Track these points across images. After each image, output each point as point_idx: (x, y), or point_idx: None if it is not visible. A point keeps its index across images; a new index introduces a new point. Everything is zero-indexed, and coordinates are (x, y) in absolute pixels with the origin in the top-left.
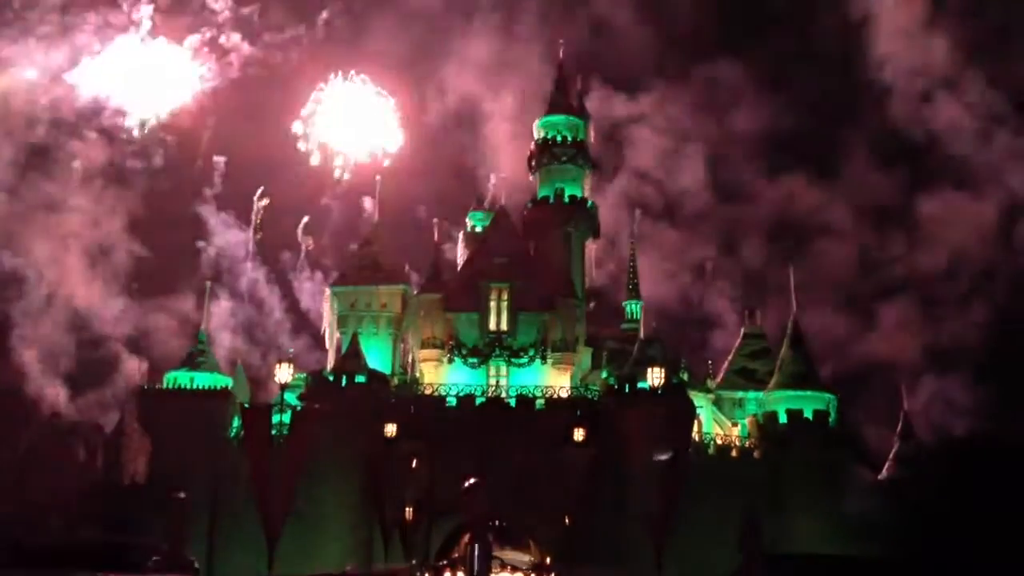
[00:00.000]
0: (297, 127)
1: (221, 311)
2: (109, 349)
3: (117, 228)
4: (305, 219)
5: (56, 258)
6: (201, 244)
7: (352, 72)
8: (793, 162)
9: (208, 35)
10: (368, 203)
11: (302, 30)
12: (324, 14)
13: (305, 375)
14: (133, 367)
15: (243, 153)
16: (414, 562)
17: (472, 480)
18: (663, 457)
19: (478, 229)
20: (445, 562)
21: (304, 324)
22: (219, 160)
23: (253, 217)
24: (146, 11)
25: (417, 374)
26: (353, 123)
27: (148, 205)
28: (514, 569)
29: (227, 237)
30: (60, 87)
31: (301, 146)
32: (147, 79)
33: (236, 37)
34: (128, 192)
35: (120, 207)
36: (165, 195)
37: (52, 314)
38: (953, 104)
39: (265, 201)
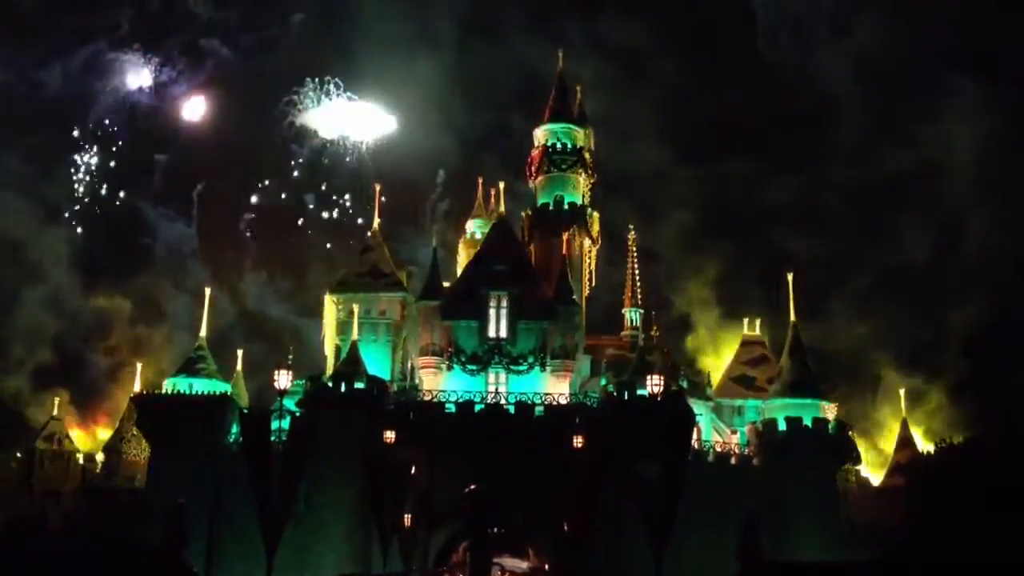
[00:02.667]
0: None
1: (176, 310)
2: (73, 346)
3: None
4: (249, 216)
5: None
6: (148, 240)
7: (328, 77)
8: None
9: (186, 38)
10: (311, 199)
11: (277, 33)
12: (299, 16)
13: (304, 381)
14: (99, 364)
15: (195, 151)
16: (414, 568)
17: (473, 486)
18: (650, 470)
19: (478, 236)
20: (444, 568)
21: (258, 328)
22: (160, 158)
23: (195, 214)
24: (124, 14)
25: (416, 381)
26: (327, 123)
27: (96, 200)
28: (514, 574)
29: (170, 233)
30: (24, 84)
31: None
32: (114, 79)
33: (214, 42)
34: (76, 188)
35: (66, 205)
36: (113, 191)
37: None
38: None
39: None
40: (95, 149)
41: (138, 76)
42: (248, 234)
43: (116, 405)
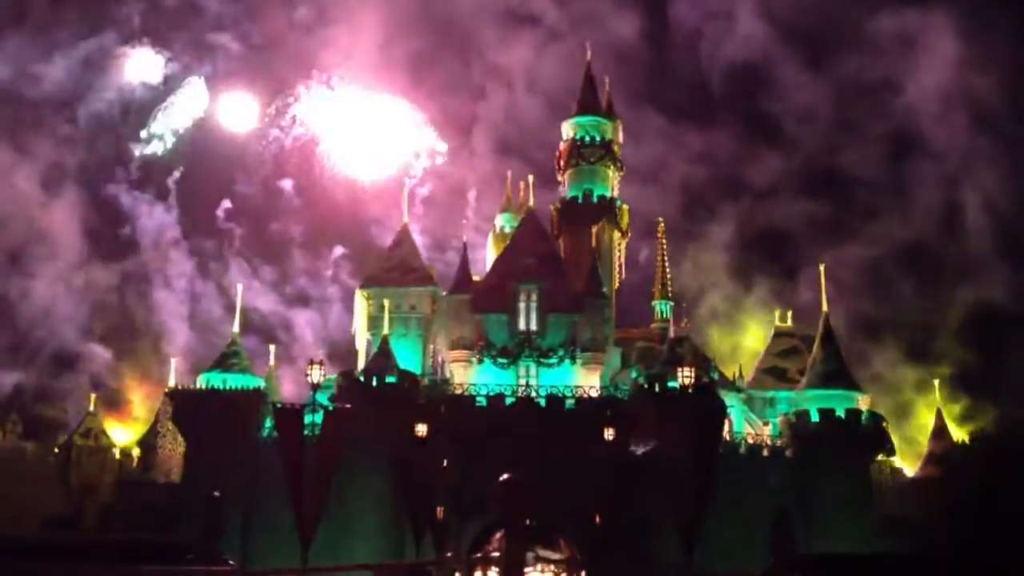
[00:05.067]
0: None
1: (166, 303)
2: (66, 336)
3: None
4: (226, 204)
5: None
6: (126, 230)
7: (326, 75)
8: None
9: (194, 32)
10: (289, 185)
11: (284, 26)
12: (303, 10)
13: (336, 376)
14: (97, 353)
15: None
16: (449, 555)
17: (506, 475)
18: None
19: (507, 230)
20: (479, 555)
21: (247, 320)
22: (135, 146)
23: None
24: (136, 8)
25: (447, 374)
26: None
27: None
28: (547, 563)
29: (149, 221)
30: (22, 78)
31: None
32: (117, 73)
33: (225, 36)
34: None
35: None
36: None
37: None
38: None
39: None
40: (86, 141)
41: (144, 70)
42: (230, 223)
43: (126, 397)
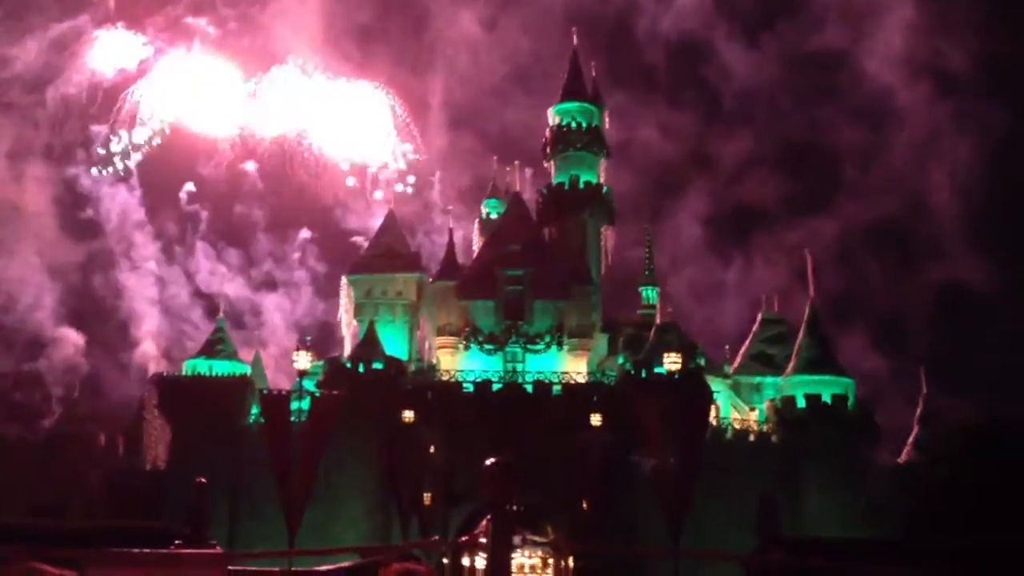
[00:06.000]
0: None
1: (133, 287)
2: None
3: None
4: (189, 187)
5: None
6: (90, 213)
7: (298, 58)
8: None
9: (171, 16)
10: (252, 167)
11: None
12: None
13: (323, 362)
14: (70, 337)
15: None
16: (436, 539)
17: (493, 459)
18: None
19: (493, 216)
20: (466, 538)
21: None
22: (99, 129)
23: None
24: None
25: (434, 361)
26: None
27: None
28: (534, 548)
29: (112, 204)
30: None
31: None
32: (89, 56)
33: (202, 21)
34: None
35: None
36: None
37: None
38: None
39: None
40: (52, 123)
41: (117, 54)
42: (195, 206)
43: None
